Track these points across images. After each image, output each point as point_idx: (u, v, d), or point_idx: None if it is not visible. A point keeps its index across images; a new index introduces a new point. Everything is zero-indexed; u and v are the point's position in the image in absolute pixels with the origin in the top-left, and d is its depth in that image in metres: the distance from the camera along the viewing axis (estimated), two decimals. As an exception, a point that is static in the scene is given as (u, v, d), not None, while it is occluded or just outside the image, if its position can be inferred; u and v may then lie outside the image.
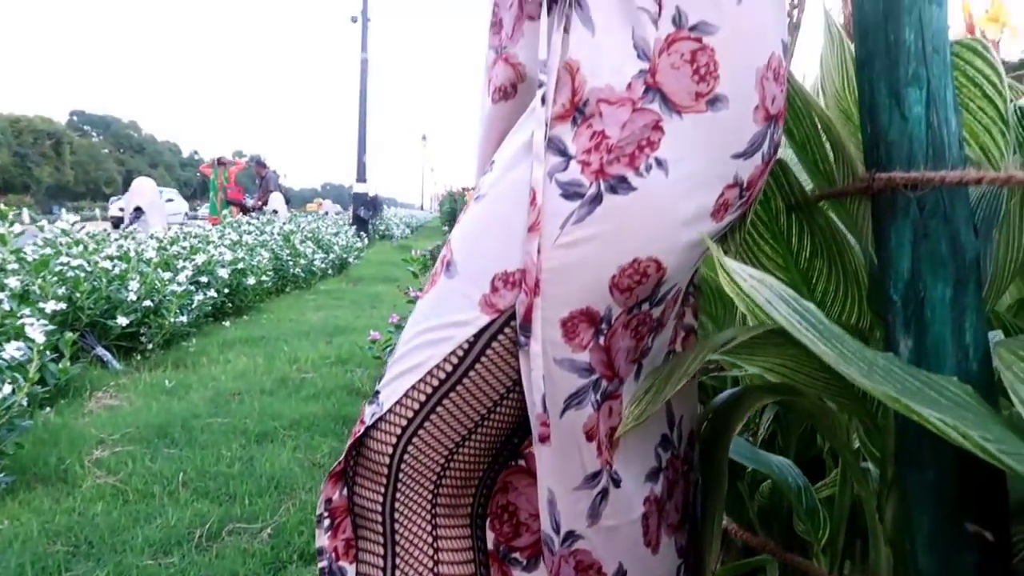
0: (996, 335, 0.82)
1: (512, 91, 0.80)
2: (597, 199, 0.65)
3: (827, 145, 0.83)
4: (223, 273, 4.67)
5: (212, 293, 4.35)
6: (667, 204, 0.67)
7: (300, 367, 3.32)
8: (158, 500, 1.90)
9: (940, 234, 0.71)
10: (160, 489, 1.96)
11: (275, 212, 10.74)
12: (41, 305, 2.91)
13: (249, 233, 6.48)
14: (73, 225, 4.19)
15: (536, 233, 0.65)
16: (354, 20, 15.12)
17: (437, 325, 0.69)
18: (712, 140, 0.68)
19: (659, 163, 0.66)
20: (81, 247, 3.70)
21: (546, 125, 0.66)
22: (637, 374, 0.73)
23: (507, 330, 0.67)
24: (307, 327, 4.54)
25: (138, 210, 6.16)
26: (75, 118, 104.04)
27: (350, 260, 9.01)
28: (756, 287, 0.61)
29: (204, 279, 4.50)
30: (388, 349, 3.03)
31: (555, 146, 0.66)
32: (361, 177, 15.22)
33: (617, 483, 0.71)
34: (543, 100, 0.67)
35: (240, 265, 5.05)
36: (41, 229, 3.88)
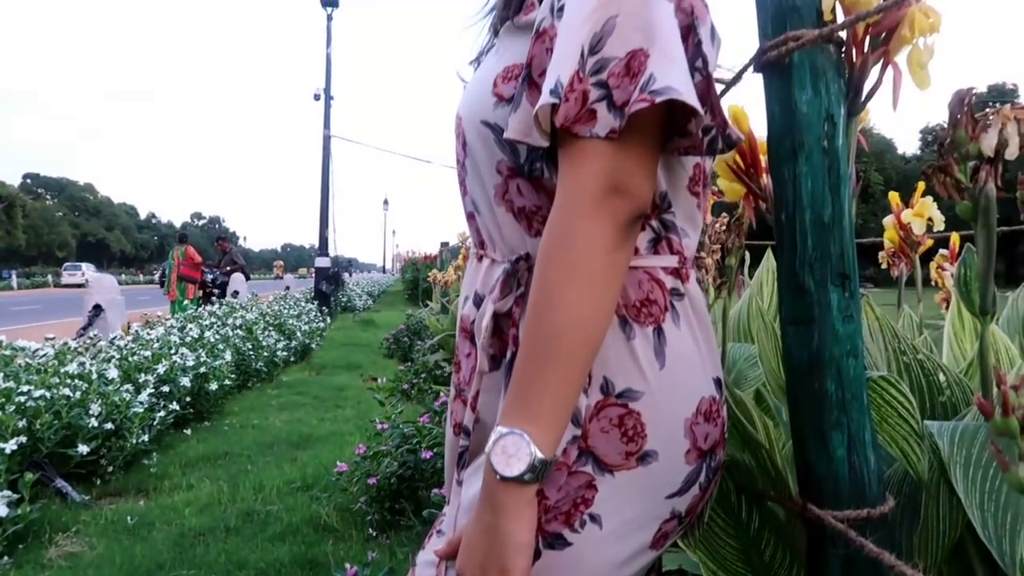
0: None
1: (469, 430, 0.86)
2: (536, 554, 0.72)
3: (768, 460, 0.92)
4: (185, 381, 4.64)
5: (174, 406, 4.32)
6: (602, 553, 0.74)
7: (265, 497, 3.30)
8: None
9: (864, 564, 0.80)
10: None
11: (236, 293, 10.68)
12: (1, 445, 2.88)
13: (210, 328, 6.44)
14: (46, 342, 4.17)
15: None
16: (316, 98, 15.32)
17: None
18: (645, 489, 0.75)
19: (593, 518, 0.73)
20: (41, 373, 3.66)
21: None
22: None
23: None
24: (271, 436, 4.51)
25: (97, 308, 6.09)
26: (28, 181, 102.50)
27: (313, 346, 8.96)
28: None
29: (166, 388, 4.47)
30: (355, 479, 3.05)
31: None
32: (323, 251, 15.23)
33: None
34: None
35: (202, 369, 5.03)
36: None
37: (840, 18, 0.85)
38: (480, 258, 0.88)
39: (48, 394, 3.40)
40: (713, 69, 0.75)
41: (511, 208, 0.81)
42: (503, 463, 0.67)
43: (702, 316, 0.81)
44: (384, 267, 67.23)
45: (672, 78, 0.64)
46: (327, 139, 15.05)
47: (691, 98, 0.64)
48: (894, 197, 1.93)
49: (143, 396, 3.93)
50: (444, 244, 15.06)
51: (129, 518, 3.04)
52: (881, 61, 0.86)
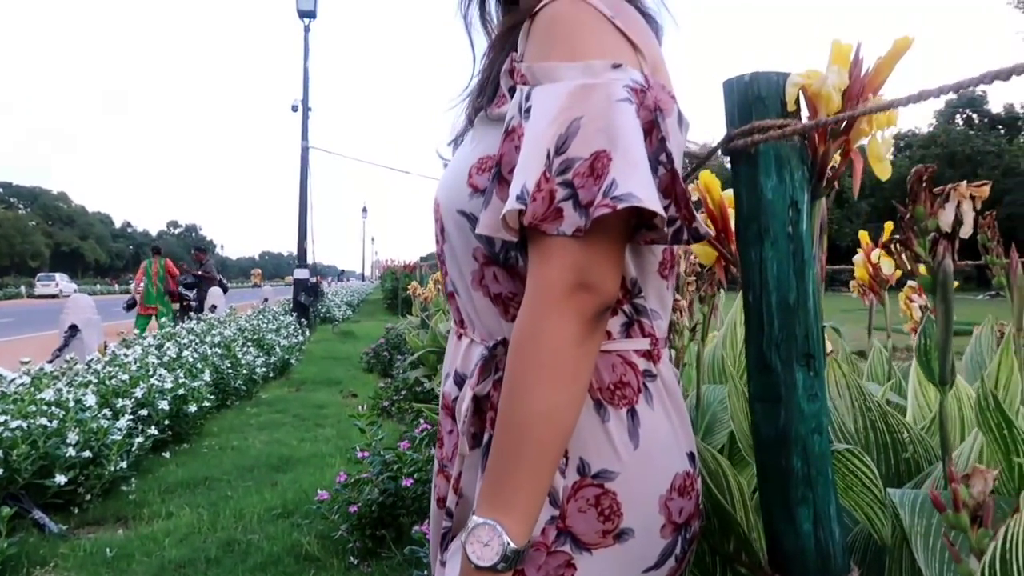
0: None
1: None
2: None
3: (740, 528, 0.96)
4: (164, 404, 4.61)
5: (153, 430, 4.29)
6: None
7: (246, 525, 3.29)
8: None
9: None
10: None
11: (213, 308, 10.60)
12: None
13: (188, 346, 6.40)
14: (21, 366, 4.13)
15: None
16: (295, 109, 15.28)
17: None
18: (623, 566, 0.78)
19: None
20: (18, 402, 3.63)
21: None
22: None
23: None
24: (251, 459, 4.50)
25: (73, 328, 6.03)
26: (1, 190, 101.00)
27: (292, 361, 8.92)
28: None
29: (145, 412, 4.44)
30: (336, 507, 3.06)
31: None
32: (302, 262, 15.17)
33: None
34: None
35: (181, 391, 5.00)
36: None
37: (803, 107, 0.89)
38: (460, 336, 0.91)
39: (24, 424, 3.37)
40: (679, 162, 0.78)
41: (487, 293, 0.84)
42: (478, 552, 0.70)
43: (674, 394, 0.84)
44: (363, 275, 66.99)
45: (633, 183, 0.67)
46: (305, 150, 15.00)
47: (651, 203, 0.67)
48: (864, 236, 1.99)
49: (121, 422, 3.90)
50: (423, 259, 15.05)
51: (108, 550, 3.03)
52: (842, 149, 0.89)
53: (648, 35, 0.80)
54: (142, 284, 11.14)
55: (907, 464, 1.11)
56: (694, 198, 1.17)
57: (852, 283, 2.15)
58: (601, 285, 0.70)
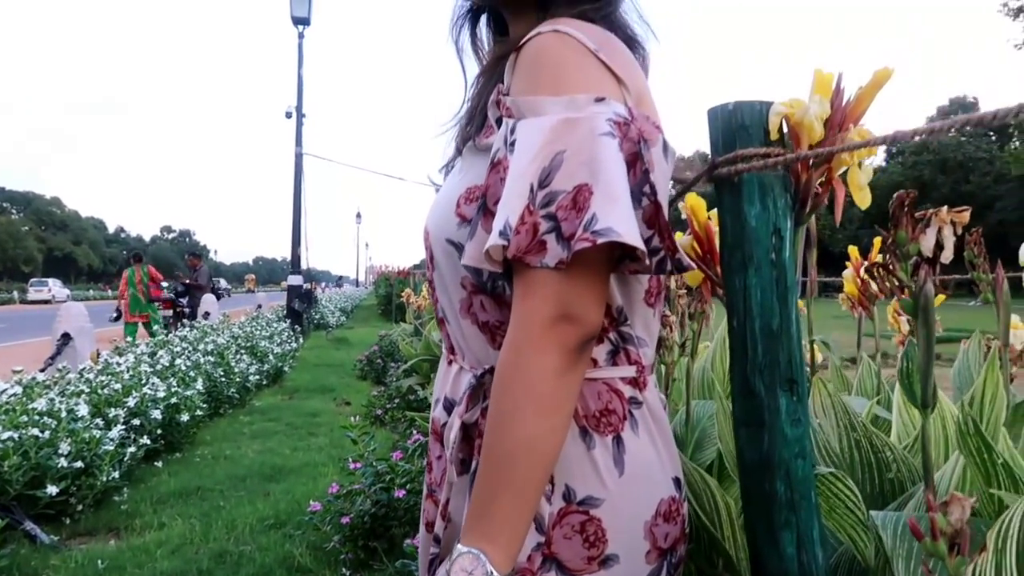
0: None
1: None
2: None
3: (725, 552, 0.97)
4: (156, 413, 4.61)
5: (145, 440, 4.29)
6: None
7: (238, 536, 3.29)
8: None
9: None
10: None
11: (207, 315, 10.58)
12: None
13: (181, 355, 6.39)
14: (13, 375, 4.12)
15: None
16: (288, 115, 15.28)
17: None
18: None
19: None
20: (9, 412, 3.62)
21: None
22: None
23: None
24: (243, 468, 4.49)
25: (66, 336, 6.01)
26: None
27: (285, 369, 8.91)
28: None
29: (137, 421, 4.43)
30: (328, 518, 3.06)
31: None
32: (296, 269, 15.15)
33: None
34: None
35: (174, 400, 4.99)
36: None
37: (787, 135, 0.90)
38: (450, 362, 0.92)
39: (16, 435, 3.37)
40: (664, 192, 0.80)
41: (475, 321, 0.85)
42: None
43: (660, 420, 0.86)
44: (357, 280, 66.96)
45: (614, 218, 0.68)
46: (299, 157, 14.99)
47: (631, 238, 0.68)
48: (853, 252, 2.01)
49: (114, 432, 3.89)
50: (416, 267, 15.05)
51: (100, 562, 3.02)
52: (824, 176, 0.91)
53: (632, 66, 0.81)
54: (128, 293, 11.10)
55: (891, 484, 1.12)
56: (683, 216, 1.18)
57: (841, 296, 2.17)
58: (584, 316, 0.71)
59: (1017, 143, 46.42)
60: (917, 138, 0.60)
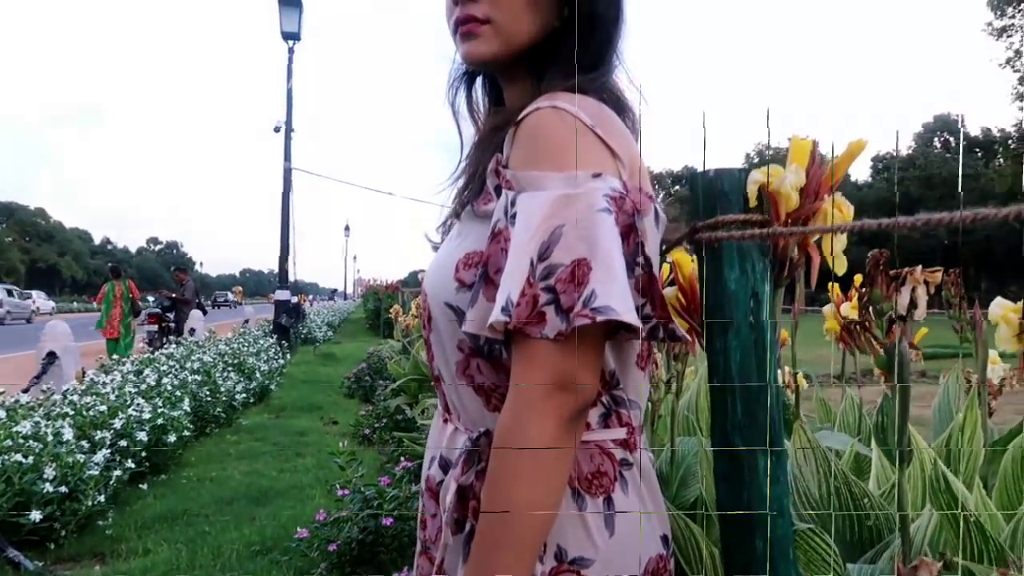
0: None
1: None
2: None
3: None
4: (142, 435, 4.58)
5: (130, 463, 4.26)
6: None
7: (224, 563, 3.28)
8: None
9: None
10: None
11: (192, 331, 10.53)
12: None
13: (167, 373, 6.36)
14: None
15: None
16: (277, 130, 15.29)
17: None
18: None
19: None
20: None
21: None
22: None
23: None
24: (230, 491, 4.48)
25: (51, 355, 5.98)
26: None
27: (272, 386, 8.87)
28: None
29: (123, 443, 4.41)
30: (316, 544, 3.06)
31: None
32: (283, 283, 15.13)
33: None
34: None
35: (160, 421, 4.96)
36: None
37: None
38: (445, 420, 0.94)
39: (0, 461, 3.34)
40: (656, 260, 0.83)
41: (471, 383, 0.87)
42: None
43: (649, 480, 0.88)
44: (345, 293, 66.82)
45: (612, 296, 0.71)
46: (287, 172, 15.00)
47: (628, 316, 0.71)
48: (835, 288, 2.04)
49: (99, 456, 3.87)
50: (404, 285, 15.05)
51: (84, 590, 3.00)
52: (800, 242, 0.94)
53: (626, 138, 0.84)
54: (115, 309, 10.93)
55: (870, 532, 1.15)
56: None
57: (825, 327, 2.20)
58: (581, 386, 0.74)
59: (1002, 160, 47.04)
60: (881, 224, 0.63)
